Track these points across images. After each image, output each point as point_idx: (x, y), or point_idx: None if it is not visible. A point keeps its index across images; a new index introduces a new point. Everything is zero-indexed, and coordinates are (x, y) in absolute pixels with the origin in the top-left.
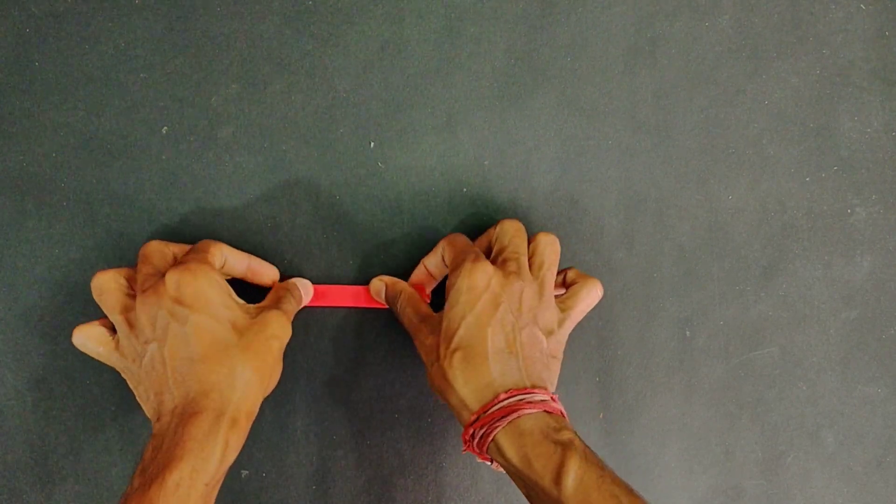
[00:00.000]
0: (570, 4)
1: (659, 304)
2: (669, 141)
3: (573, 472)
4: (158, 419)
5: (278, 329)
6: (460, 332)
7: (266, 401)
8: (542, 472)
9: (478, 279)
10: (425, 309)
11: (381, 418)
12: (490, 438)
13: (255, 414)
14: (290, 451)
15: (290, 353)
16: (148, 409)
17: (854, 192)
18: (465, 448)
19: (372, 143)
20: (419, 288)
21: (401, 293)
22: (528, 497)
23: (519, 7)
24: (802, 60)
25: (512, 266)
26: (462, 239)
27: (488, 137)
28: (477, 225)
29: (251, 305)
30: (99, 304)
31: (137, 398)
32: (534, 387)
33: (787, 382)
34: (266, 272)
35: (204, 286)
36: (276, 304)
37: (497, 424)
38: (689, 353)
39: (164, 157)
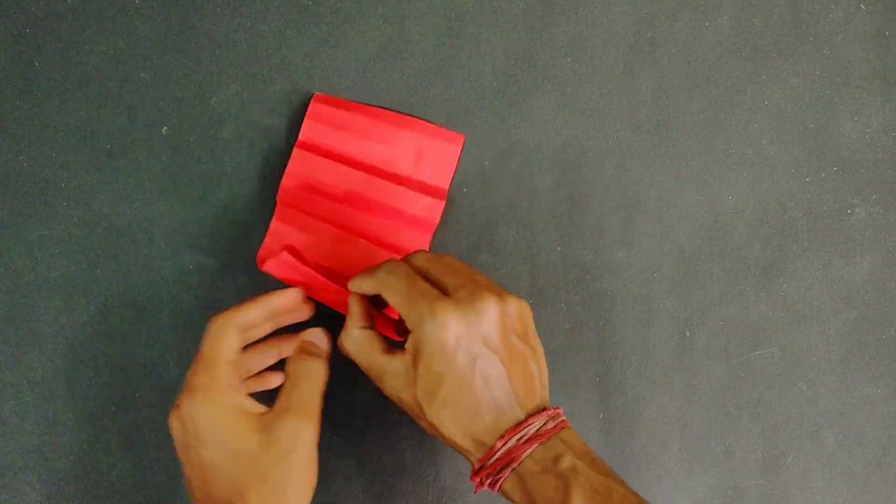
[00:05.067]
0: (570, 4)
1: (659, 304)
2: (669, 141)
3: None
4: None
5: (294, 441)
6: (443, 392)
7: (266, 402)
8: None
9: (446, 337)
10: (380, 358)
11: (381, 418)
12: (497, 488)
13: None
14: None
15: None
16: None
17: (854, 192)
18: (475, 490)
19: None
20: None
21: (348, 336)
22: None
23: (519, 7)
24: (802, 60)
25: (463, 294)
26: (400, 276)
27: (488, 137)
28: (477, 225)
29: (266, 413)
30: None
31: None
32: (529, 414)
33: (787, 382)
34: (291, 310)
35: (211, 417)
36: (288, 403)
37: (499, 476)
38: (689, 353)
39: (164, 157)
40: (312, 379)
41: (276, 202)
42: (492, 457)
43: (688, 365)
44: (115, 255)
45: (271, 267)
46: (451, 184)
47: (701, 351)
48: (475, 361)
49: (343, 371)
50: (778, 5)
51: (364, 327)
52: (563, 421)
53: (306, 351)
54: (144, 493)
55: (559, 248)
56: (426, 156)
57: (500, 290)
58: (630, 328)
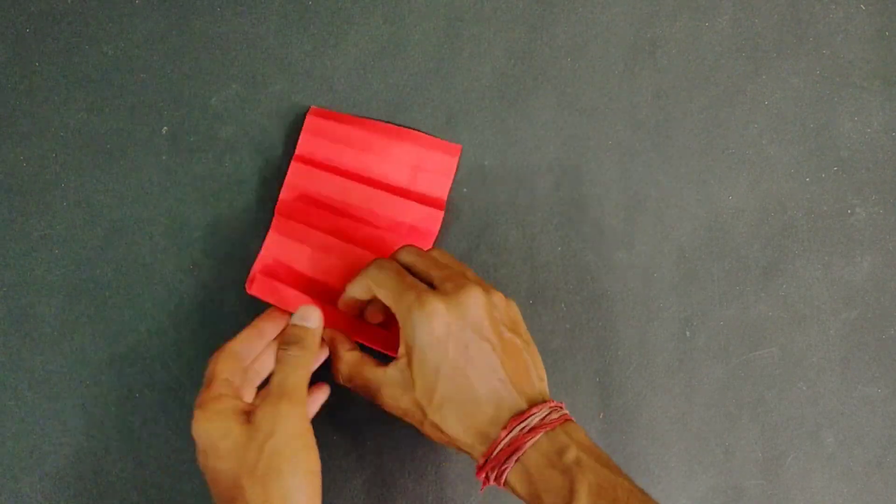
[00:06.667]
0: (570, 4)
1: (659, 304)
2: (669, 141)
3: (584, 501)
4: None
5: (273, 425)
6: (440, 386)
7: None
8: None
9: (435, 326)
10: (374, 372)
11: (382, 418)
12: (503, 482)
13: None
14: None
15: None
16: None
17: (854, 192)
18: (482, 487)
19: None
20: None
21: (340, 361)
22: None
23: (519, 7)
24: (802, 60)
25: (450, 286)
26: (389, 271)
27: (488, 137)
28: (477, 225)
29: (249, 407)
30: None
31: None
32: (531, 403)
33: (787, 382)
34: (280, 329)
35: (205, 426)
36: (267, 391)
37: (504, 467)
38: (689, 353)
39: (164, 157)
40: (291, 364)
41: (273, 213)
42: (496, 448)
43: (688, 365)
44: (115, 255)
45: (256, 290)
46: (449, 193)
47: (701, 351)
48: (467, 349)
49: None
50: (778, 5)
51: (351, 349)
52: (565, 414)
53: (288, 339)
54: (144, 493)
55: (559, 248)
56: (424, 167)
57: (487, 285)
58: (630, 328)
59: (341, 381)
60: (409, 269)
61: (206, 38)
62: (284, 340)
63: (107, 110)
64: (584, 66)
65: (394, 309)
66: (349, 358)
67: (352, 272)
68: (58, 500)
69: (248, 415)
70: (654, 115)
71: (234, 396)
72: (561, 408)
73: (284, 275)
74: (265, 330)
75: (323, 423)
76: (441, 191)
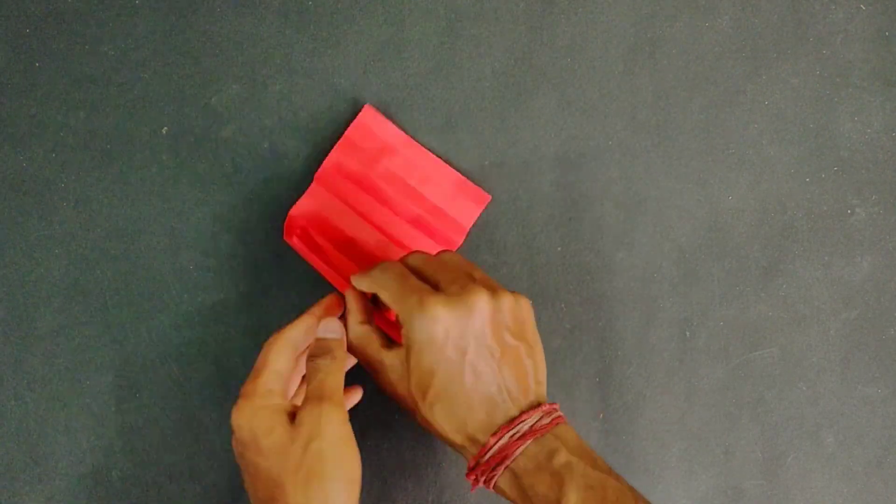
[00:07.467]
0: (570, 4)
1: (659, 305)
2: (669, 141)
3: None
4: None
5: (317, 426)
6: (434, 386)
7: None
8: None
9: (435, 330)
10: (378, 352)
11: (381, 418)
12: (492, 486)
13: None
14: None
15: None
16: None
17: (854, 192)
18: (473, 488)
19: None
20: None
21: (349, 332)
22: None
23: (519, 7)
24: (802, 60)
25: (455, 288)
26: (392, 273)
27: (488, 137)
28: (477, 225)
29: (293, 409)
30: None
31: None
32: (523, 410)
33: (787, 382)
34: (336, 311)
35: (249, 418)
36: (306, 395)
37: (494, 473)
38: (689, 353)
39: (164, 157)
40: (325, 371)
41: (312, 179)
42: (485, 454)
43: (688, 365)
44: (115, 255)
45: (295, 243)
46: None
47: (701, 351)
48: (465, 355)
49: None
50: (778, 5)
51: (363, 322)
52: (558, 416)
53: (318, 351)
54: (144, 493)
55: (559, 248)
56: (456, 195)
57: (497, 286)
58: (630, 328)
59: (348, 350)
60: (417, 273)
61: (206, 38)
62: (314, 353)
63: (107, 110)
64: (584, 66)
65: (396, 310)
66: (357, 330)
67: (369, 255)
68: (58, 500)
69: (291, 415)
70: (654, 115)
71: (282, 394)
72: (555, 409)
73: (316, 236)
74: (321, 314)
75: None
76: (466, 219)
